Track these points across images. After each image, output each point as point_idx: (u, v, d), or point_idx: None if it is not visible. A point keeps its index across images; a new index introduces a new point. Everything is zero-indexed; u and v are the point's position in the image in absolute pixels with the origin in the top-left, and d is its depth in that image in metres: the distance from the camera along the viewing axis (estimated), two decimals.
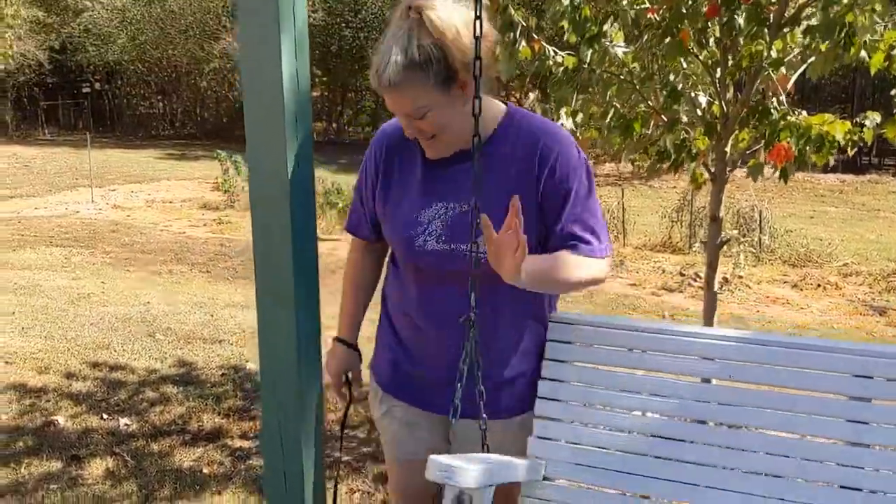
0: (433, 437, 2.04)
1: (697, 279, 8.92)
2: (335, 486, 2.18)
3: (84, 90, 31.96)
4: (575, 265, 1.80)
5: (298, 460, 2.02)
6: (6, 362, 4.95)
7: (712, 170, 3.42)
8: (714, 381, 2.02)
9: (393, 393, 2.04)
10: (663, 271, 9.56)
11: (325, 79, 29.72)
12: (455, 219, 1.86)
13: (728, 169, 3.43)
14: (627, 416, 2.00)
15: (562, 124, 3.25)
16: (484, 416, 1.81)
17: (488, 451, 1.85)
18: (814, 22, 3.01)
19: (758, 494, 1.83)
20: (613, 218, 11.59)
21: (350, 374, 2.10)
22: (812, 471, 1.81)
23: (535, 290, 1.78)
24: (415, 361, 1.98)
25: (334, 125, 31.69)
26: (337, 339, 2.10)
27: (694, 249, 10.75)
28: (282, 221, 1.84)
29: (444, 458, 1.58)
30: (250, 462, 3.64)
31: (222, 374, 4.83)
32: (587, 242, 1.82)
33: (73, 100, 32.09)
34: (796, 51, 3.27)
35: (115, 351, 5.24)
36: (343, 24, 27.09)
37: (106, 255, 9.62)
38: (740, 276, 9.11)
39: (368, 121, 30.98)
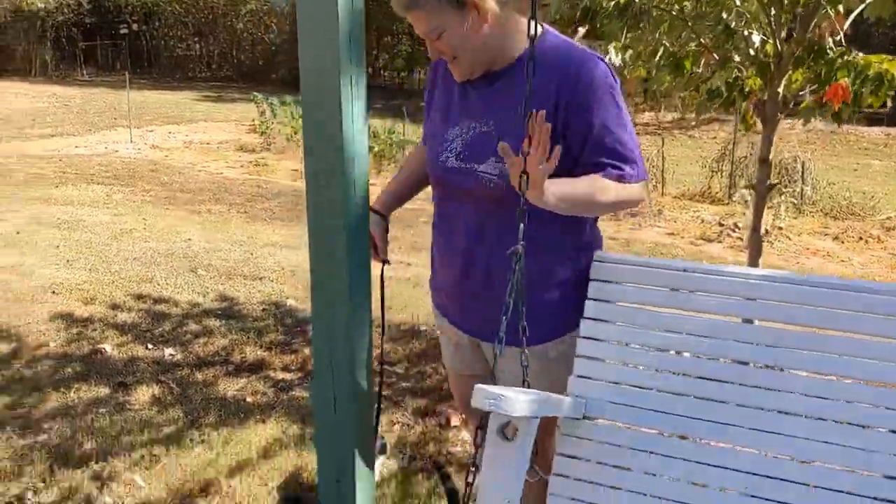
0: (474, 357, 2.14)
1: (736, 229, 8.81)
2: (378, 394, 2.25)
3: (122, 31, 32.01)
4: (604, 187, 1.77)
5: (347, 386, 2.05)
6: (53, 292, 5.06)
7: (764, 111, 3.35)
8: (757, 322, 2.01)
9: (440, 311, 2.16)
10: (702, 221, 9.45)
11: None
12: (474, 138, 1.88)
13: (780, 111, 3.36)
14: (670, 357, 1.99)
15: (610, 59, 3.19)
16: (525, 351, 1.82)
17: (528, 387, 1.87)
18: None
19: (801, 437, 1.81)
20: (653, 167, 11.43)
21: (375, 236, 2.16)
22: (860, 415, 1.78)
23: (562, 212, 1.75)
24: (442, 282, 2.08)
25: (370, 69, 31.45)
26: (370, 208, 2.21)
27: (734, 199, 10.60)
28: (334, 144, 1.84)
29: (491, 388, 1.58)
30: (292, 393, 3.71)
31: (263, 310, 4.90)
32: (619, 169, 1.78)
33: (111, 40, 32.15)
34: None
35: (159, 284, 5.33)
36: None
37: (146, 193, 9.73)
38: (780, 228, 8.98)
39: (404, 65, 30.72)
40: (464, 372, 2.21)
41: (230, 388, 3.75)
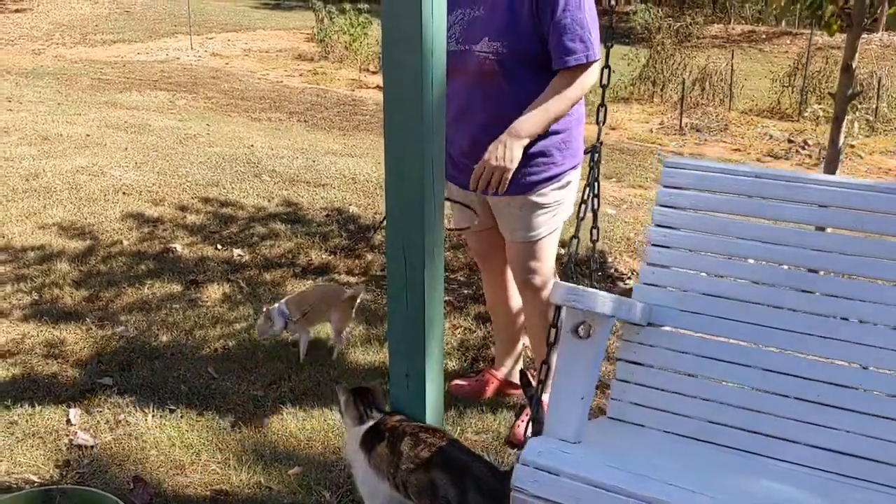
0: (474, 207, 2.52)
1: (806, 146, 8.56)
2: None
3: None
4: (559, 94, 2.20)
5: (420, 283, 2.08)
6: (124, 193, 5.19)
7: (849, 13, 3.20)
8: (830, 230, 1.96)
9: (449, 181, 2.43)
10: (770, 137, 9.18)
11: None
12: (469, 22, 2.26)
13: (867, 16, 3.20)
14: (739, 264, 1.96)
15: None
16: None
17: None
18: None
19: (880, 346, 1.77)
20: (720, 80, 11.08)
21: None
22: None
23: (543, 131, 2.26)
24: (450, 148, 2.27)
25: None
26: None
27: (805, 116, 10.25)
28: (413, 65, 1.81)
29: (570, 284, 1.61)
30: None
31: (326, 215, 4.96)
32: (571, 53, 2.18)
33: None
34: None
35: (225, 188, 5.41)
36: None
37: (208, 100, 9.81)
38: (852, 146, 8.67)
39: None
40: (477, 229, 2.62)
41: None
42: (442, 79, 1.95)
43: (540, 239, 2.47)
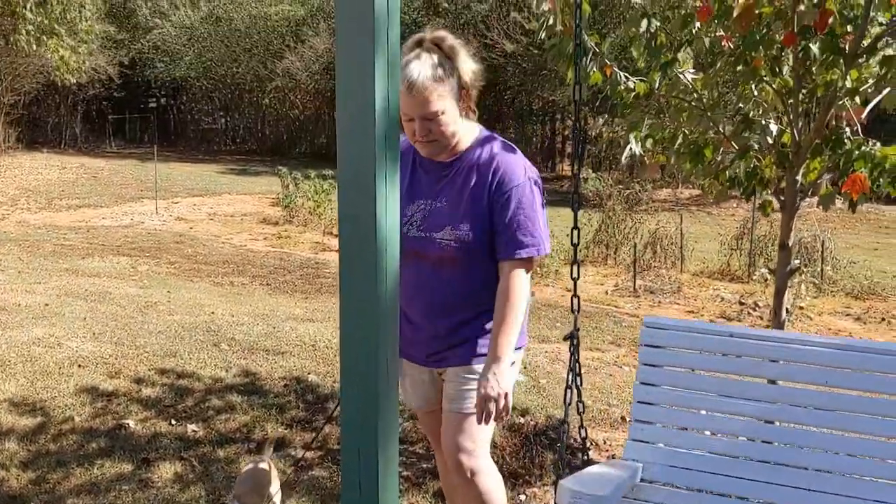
0: (425, 387, 2.60)
1: (757, 308, 8.79)
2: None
3: (150, 105, 32.90)
4: (510, 301, 2.31)
5: (373, 471, 2.07)
6: (79, 366, 5.12)
7: (782, 198, 3.41)
8: (805, 386, 2.04)
9: (402, 355, 2.42)
10: (722, 299, 9.43)
11: None
12: (431, 212, 2.41)
13: (799, 198, 3.41)
14: (721, 419, 2.05)
15: (631, 149, 3.29)
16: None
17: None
18: (890, 52, 3.00)
19: (863, 497, 1.86)
20: (671, 244, 11.47)
21: None
22: None
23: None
24: (404, 327, 2.30)
25: None
26: None
27: (754, 278, 10.58)
28: (368, 236, 1.90)
29: (573, 485, 1.69)
30: (312, 473, 3.72)
31: (285, 385, 4.93)
32: (523, 246, 2.33)
33: (140, 114, 33.01)
34: (871, 81, 3.25)
35: (182, 359, 5.38)
36: None
37: (171, 265, 9.87)
38: (801, 307, 8.93)
39: None
40: (427, 409, 2.66)
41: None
42: (395, 275, 2.03)
43: (470, 413, 2.41)
